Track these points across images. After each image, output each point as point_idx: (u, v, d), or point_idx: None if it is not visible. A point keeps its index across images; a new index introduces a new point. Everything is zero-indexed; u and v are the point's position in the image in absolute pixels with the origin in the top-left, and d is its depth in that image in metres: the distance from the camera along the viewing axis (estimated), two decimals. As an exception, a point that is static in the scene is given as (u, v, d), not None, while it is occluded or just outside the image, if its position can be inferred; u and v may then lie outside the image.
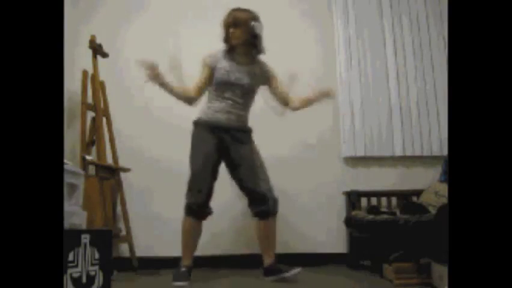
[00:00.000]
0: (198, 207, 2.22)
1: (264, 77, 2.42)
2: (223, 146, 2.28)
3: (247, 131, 2.38)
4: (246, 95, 2.34)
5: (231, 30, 2.29)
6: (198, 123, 2.32)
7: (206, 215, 2.27)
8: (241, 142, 2.30)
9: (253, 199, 2.25)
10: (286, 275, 2.15)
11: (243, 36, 2.30)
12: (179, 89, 2.31)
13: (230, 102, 2.30)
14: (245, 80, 2.32)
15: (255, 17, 2.32)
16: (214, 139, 2.26)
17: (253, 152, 2.32)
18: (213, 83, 2.34)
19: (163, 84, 2.22)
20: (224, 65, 2.32)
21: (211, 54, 2.37)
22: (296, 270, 2.16)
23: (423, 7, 3.26)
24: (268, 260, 2.27)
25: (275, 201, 2.27)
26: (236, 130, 2.31)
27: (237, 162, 2.28)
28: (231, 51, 2.36)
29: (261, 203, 2.23)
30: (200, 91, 2.34)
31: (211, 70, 2.33)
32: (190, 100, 2.33)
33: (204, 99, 2.39)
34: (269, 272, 2.23)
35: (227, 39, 2.34)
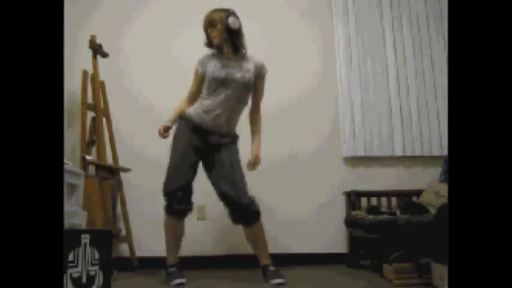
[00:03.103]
0: (175, 205, 2.20)
1: (257, 73, 2.36)
2: (203, 148, 2.26)
3: (232, 137, 2.33)
4: (241, 90, 2.29)
5: (209, 30, 2.30)
6: (183, 118, 2.30)
7: (185, 212, 2.25)
8: (223, 148, 2.27)
9: (235, 209, 2.21)
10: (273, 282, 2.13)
11: (221, 34, 2.28)
12: (179, 111, 2.36)
13: (223, 99, 2.25)
14: (238, 74, 2.28)
15: (230, 14, 2.29)
16: (194, 140, 2.25)
17: (234, 159, 2.27)
18: (206, 81, 2.31)
19: (173, 124, 2.35)
20: (214, 63, 2.31)
21: (200, 59, 2.37)
22: (280, 280, 2.12)
23: (423, 7, 3.27)
24: (263, 262, 2.26)
25: (257, 211, 2.23)
26: (219, 135, 2.28)
27: (217, 168, 2.26)
28: (219, 52, 2.35)
29: (243, 214, 2.20)
30: (193, 99, 2.37)
31: (203, 75, 2.33)
32: None
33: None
34: (266, 273, 2.21)
35: (208, 41, 2.35)
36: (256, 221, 2.23)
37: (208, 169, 2.31)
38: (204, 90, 2.33)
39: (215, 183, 2.26)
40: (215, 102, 2.26)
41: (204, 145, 2.26)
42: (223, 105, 2.25)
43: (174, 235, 2.26)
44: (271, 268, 2.21)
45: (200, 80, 2.34)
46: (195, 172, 2.27)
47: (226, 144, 2.28)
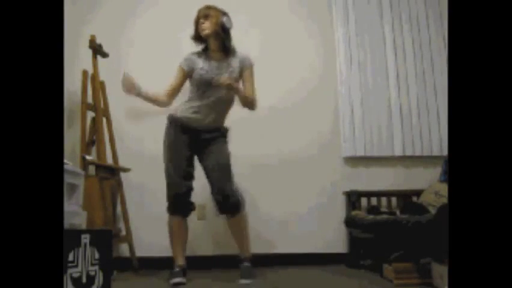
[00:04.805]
0: (177, 204, 2.25)
1: (241, 66, 2.38)
2: (195, 145, 2.31)
3: (221, 131, 2.37)
4: (229, 90, 2.31)
5: (201, 21, 2.31)
6: (171, 120, 2.34)
7: (187, 211, 2.30)
8: (212, 142, 2.31)
9: (220, 199, 2.25)
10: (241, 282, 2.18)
11: (211, 27, 2.30)
12: (153, 95, 2.39)
13: (212, 100, 2.30)
14: (225, 75, 2.30)
15: (225, 13, 2.34)
16: (185, 139, 2.29)
17: (222, 153, 2.31)
18: (193, 83, 2.36)
19: (139, 95, 2.34)
20: (202, 65, 2.34)
21: (187, 57, 2.40)
22: (247, 281, 2.17)
23: (423, 7, 3.26)
24: (241, 255, 2.33)
25: (239, 201, 2.27)
26: (208, 131, 2.32)
27: (207, 162, 2.30)
28: (205, 50, 2.39)
29: (226, 204, 2.24)
30: (172, 95, 2.42)
31: (187, 74, 2.38)
32: (161, 104, 2.43)
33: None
34: (240, 269, 2.27)
35: (196, 32, 2.36)
36: (238, 212, 2.27)
37: (201, 161, 2.35)
38: (193, 92, 2.36)
39: (206, 174, 2.32)
40: (204, 104, 2.30)
41: (195, 142, 2.30)
42: (212, 107, 2.30)
43: (178, 236, 2.30)
44: (245, 264, 2.27)
45: (183, 77, 2.39)
46: (192, 167, 2.31)
47: (216, 138, 2.33)
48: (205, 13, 2.30)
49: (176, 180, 2.25)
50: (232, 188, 2.25)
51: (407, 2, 3.27)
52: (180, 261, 2.28)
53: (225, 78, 2.22)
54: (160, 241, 2.85)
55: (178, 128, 2.31)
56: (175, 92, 2.42)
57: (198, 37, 2.37)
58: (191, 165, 2.32)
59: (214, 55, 2.36)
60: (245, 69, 2.39)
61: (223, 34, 2.32)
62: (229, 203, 2.23)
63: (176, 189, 2.25)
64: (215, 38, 2.33)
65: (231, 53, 2.38)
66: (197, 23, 2.34)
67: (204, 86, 2.30)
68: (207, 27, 2.30)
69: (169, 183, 2.27)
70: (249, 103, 2.38)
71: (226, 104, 2.37)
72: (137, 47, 3.11)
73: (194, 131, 2.30)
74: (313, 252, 2.92)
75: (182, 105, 2.36)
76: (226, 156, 2.31)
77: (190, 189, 2.29)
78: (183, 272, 2.23)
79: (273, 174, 3.01)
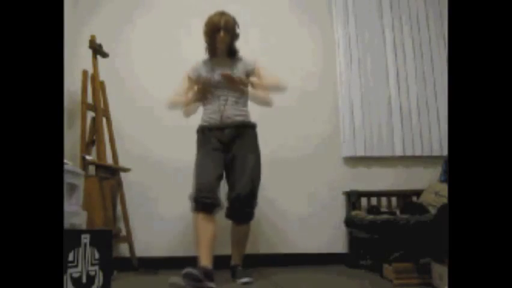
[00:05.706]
0: (201, 200, 2.12)
1: (248, 68, 2.39)
2: (222, 145, 2.27)
3: (246, 127, 2.31)
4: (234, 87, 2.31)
5: (221, 34, 2.29)
6: (197, 130, 2.35)
7: (210, 207, 2.13)
8: (239, 144, 2.26)
9: (231, 204, 2.22)
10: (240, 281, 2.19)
11: (228, 41, 2.34)
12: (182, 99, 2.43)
13: (223, 98, 2.29)
14: (228, 71, 2.31)
15: (236, 22, 2.37)
16: (212, 139, 2.26)
17: (247, 152, 2.26)
18: (203, 88, 2.36)
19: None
20: (206, 68, 2.37)
21: (193, 67, 2.43)
22: (246, 279, 2.18)
23: (423, 7, 3.27)
24: (234, 261, 2.35)
25: (249, 212, 2.24)
26: (232, 127, 2.27)
27: (231, 162, 2.26)
28: (211, 56, 2.41)
29: (236, 212, 2.22)
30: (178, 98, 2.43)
31: (193, 82, 2.40)
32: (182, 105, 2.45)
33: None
34: (235, 273, 2.28)
35: (213, 44, 2.34)
36: (246, 222, 2.27)
37: (227, 166, 2.29)
38: (205, 98, 2.37)
39: (226, 175, 2.28)
40: (217, 102, 2.30)
41: (222, 143, 2.26)
42: (225, 102, 2.28)
43: (200, 232, 2.13)
44: (240, 268, 2.29)
45: (189, 85, 2.41)
46: (219, 173, 2.22)
47: (243, 139, 2.27)
48: (226, 26, 2.29)
49: (201, 179, 2.16)
50: (249, 197, 2.19)
51: (407, 2, 3.27)
52: (202, 262, 2.06)
53: (225, 73, 2.24)
54: (159, 241, 2.86)
55: (203, 133, 2.31)
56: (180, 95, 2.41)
57: (213, 46, 2.36)
58: (219, 166, 2.23)
59: (221, 60, 2.38)
60: (253, 72, 2.39)
61: (232, 45, 2.38)
62: (239, 212, 2.21)
63: (198, 188, 2.14)
64: (224, 46, 2.36)
65: (236, 55, 2.41)
66: (217, 31, 2.29)
67: (211, 88, 2.32)
68: (225, 41, 2.31)
69: (194, 183, 2.18)
70: (276, 89, 2.39)
71: (237, 98, 2.31)
72: (137, 47, 3.12)
73: (218, 131, 2.27)
74: (313, 252, 2.92)
75: (202, 113, 2.38)
76: (255, 156, 2.26)
77: (214, 187, 2.16)
78: (195, 274, 1.92)
79: (272, 174, 3.01)
